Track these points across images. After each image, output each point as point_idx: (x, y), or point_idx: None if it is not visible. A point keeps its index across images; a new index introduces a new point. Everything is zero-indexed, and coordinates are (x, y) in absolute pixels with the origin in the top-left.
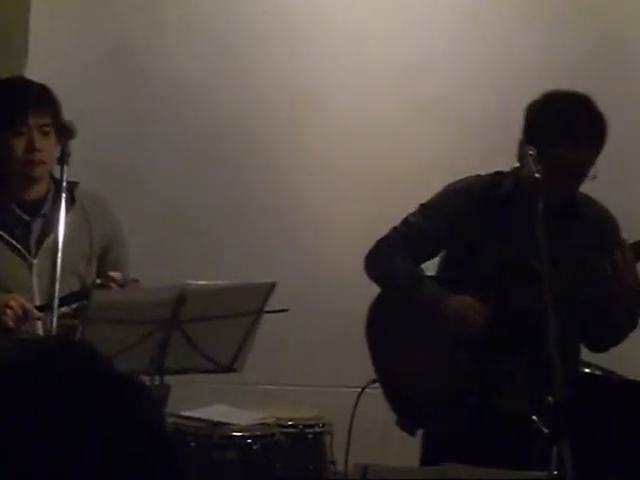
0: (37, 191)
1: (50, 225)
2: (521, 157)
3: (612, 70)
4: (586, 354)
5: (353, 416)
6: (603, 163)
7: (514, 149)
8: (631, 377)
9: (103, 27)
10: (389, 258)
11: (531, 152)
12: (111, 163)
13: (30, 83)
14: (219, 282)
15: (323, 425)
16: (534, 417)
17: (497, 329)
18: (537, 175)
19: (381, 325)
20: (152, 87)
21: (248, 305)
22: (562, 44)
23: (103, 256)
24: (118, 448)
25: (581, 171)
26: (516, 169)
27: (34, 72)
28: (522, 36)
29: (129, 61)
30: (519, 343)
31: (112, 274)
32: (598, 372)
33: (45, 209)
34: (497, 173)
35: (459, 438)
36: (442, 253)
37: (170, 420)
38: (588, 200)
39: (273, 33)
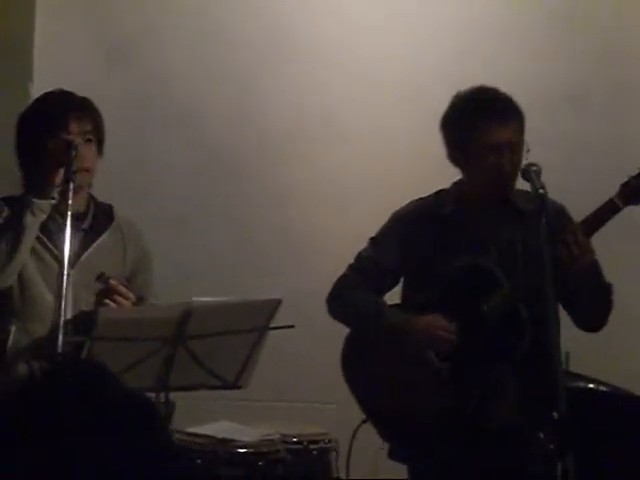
0: (78, 204)
1: (90, 240)
2: (525, 174)
3: (617, 83)
4: (591, 370)
5: (353, 439)
6: (608, 178)
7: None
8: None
9: (109, 44)
10: (349, 294)
11: (534, 168)
12: (113, 180)
13: (71, 94)
14: (224, 299)
15: (328, 441)
16: (540, 433)
17: (472, 341)
18: (541, 191)
19: (356, 363)
20: (156, 105)
21: (253, 322)
22: (566, 62)
23: (132, 279)
24: (128, 462)
25: (513, 144)
26: (457, 183)
27: (39, 88)
28: (524, 57)
29: (134, 74)
30: (498, 354)
31: (118, 286)
32: (603, 387)
33: (85, 224)
34: (439, 192)
35: (451, 464)
36: (402, 282)
37: (175, 437)
38: (524, 194)
39: (276, 49)
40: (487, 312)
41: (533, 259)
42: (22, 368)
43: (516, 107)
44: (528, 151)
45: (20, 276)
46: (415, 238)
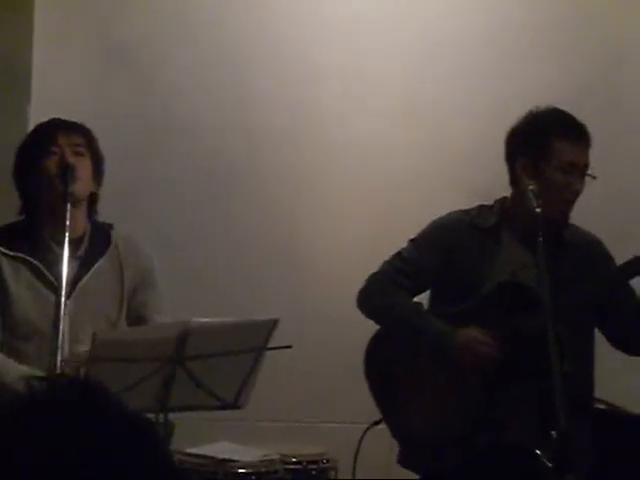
0: (74, 230)
1: (86, 267)
2: (522, 192)
3: (616, 85)
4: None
5: (357, 454)
6: (608, 180)
7: None
8: None
9: (107, 65)
10: (388, 292)
11: (531, 187)
12: (111, 196)
13: (62, 119)
14: (222, 319)
15: (327, 461)
16: (537, 451)
17: (508, 357)
18: (537, 210)
19: (382, 363)
20: (155, 122)
21: (251, 342)
22: (564, 71)
23: (131, 298)
24: None
25: (583, 166)
26: (500, 201)
27: (37, 111)
28: (527, 66)
29: (131, 92)
30: (528, 371)
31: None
32: (602, 406)
33: (81, 251)
34: (481, 206)
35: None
36: (431, 290)
37: (175, 457)
38: (573, 228)
39: (280, 56)
40: (526, 330)
41: (571, 285)
42: (20, 387)
43: (588, 132)
44: (595, 178)
45: (12, 305)
46: (454, 247)
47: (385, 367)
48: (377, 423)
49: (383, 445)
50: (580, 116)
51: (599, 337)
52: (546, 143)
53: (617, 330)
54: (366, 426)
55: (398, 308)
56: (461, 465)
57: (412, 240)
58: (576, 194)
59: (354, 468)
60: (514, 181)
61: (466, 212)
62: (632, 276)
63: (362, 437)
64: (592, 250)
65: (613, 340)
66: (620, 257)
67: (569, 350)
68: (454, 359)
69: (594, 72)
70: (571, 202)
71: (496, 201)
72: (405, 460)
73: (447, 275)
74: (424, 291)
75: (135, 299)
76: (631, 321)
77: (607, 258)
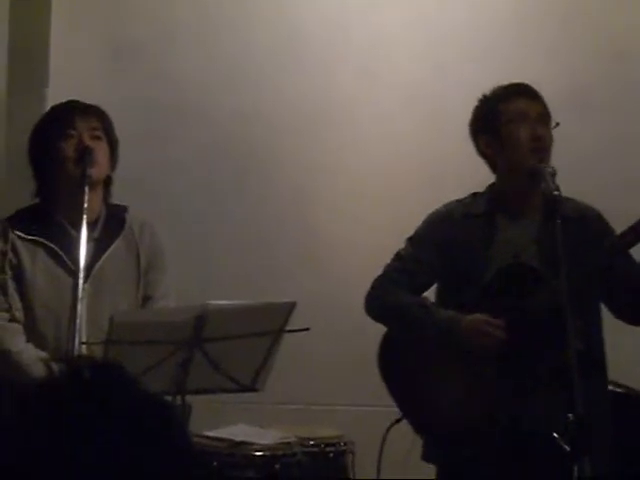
0: (90, 212)
1: (102, 249)
2: (539, 175)
3: (620, 83)
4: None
5: (382, 451)
6: (612, 179)
7: None
8: None
9: (122, 48)
10: (392, 293)
11: (549, 169)
12: (126, 182)
13: (78, 100)
14: (240, 302)
15: (345, 444)
16: (555, 434)
17: (517, 340)
18: (556, 192)
19: (396, 362)
20: (169, 107)
21: (269, 325)
22: (577, 67)
23: (143, 277)
24: (147, 465)
25: (537, 114)
26: (492, 185)
27: (55, 94)
28: (530, 60)
29: (146, 77)
30: (541, 352)
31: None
32: (619, 389)
33: (96, 233)
34: (474, 194)
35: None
36: (437, 283)
37: (192, 440)
38: (567, 199)
39: (288, 50)
40: (533, 313)
41: (576, 261)
42: (40, 369)
43: (533, 87)
44: (557, 125)
45: (29, 288)
46: (451, 238)
47: (400, 366)
48: (398, 421)
49: (404, 441)
50: (586, 110)
51: (616, 323)
52: (493, 112)
53: (621, 300)
54: (382, 409)
55: (403, 306)
56: (482, 453)
57: (409, 238)
58: (540, 139)
59: (379, 463)
60: (492, 165)
61: (460, 201)
62: (632, 244)
63: (385, 435)
64: (591, 222)
65: (618, 311)
66: (636, 249)
67: (577, 326)
68: (463, 343)
69: (597, 68)
70: (540, 149)
71: (487, 187)
72: (429, 454)
73: (448, 267)
74: (429, 286)
75: (145, 278)
76: (634, 289)
77: (607, 229)
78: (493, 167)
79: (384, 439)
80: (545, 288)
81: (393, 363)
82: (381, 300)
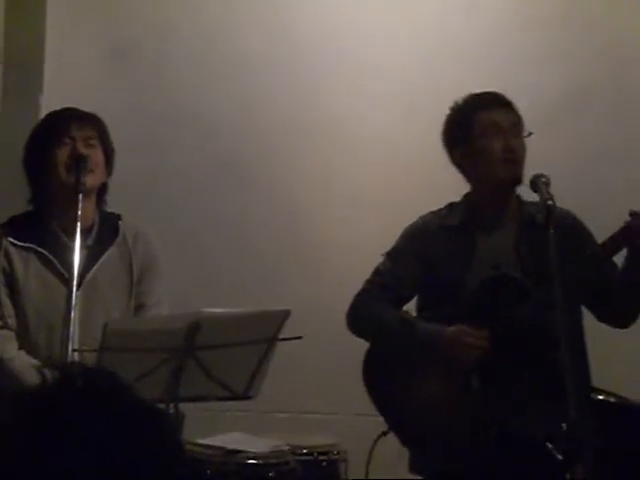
0: (83, 220)
1: (95, 257)
2: (533, 185)
3: (618, 85)
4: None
5: (372, 452)
6: (610, 181)
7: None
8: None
9: (118, 56)
10: (373, 309)
11: (543, 179)
12: (121, 189)
13: (74, 108)
14: (233, 310)
15: (338, 452)
16: (548, 443)
17: (500, 351)
18: (550, 202)
19: (381, 376)
20: (164, 115)
21: (262, 333)
22: (576, 69)
23: (135, 285)
24: (139, 472)
25: (510, 124)
26: (467, 195)
27: (49, 99)
28: (531, 63)
29: (143, 85)
30: (524, 362)
31: None
32: (612, 399)
33: (90, 241)
34: (450, 205)
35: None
36: (417, 296)
37: (185, 448)
38: (535, 205)
39: (293, 60)
40: (518, 322)
41: (554, 269)
42: (33, 376)
43: (504, 96)
44: (530, 134)
45: (21, 295)
46: (428, 251)
47: (385, 380)
48: (385, 434)
49: (392, 451)
50: (585, 112)
51: (606, 330)
52: (466, 123)
53: (604, 305)
54: (375, 418)
55: (385, 321)
56: (473, 463)
57: (387, 253)
58: (513, 151)
59: (367, 473)
60: (467, 175)
61: (436, 213)
62: (613, 253)
63: (372, 448)
64: (569, 229)
65: (602, 316)
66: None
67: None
68: (446, 355)
69: (597, 70)
70: (513, 161)
71: (463, 196)
72: (417, 466)
73: (427, 280)
74: (409, 300)
75: (138, 287)
76: (617, 294)
77: (586, 234)
78: (468, 177)
79: (372, 450)
80: (528, 298)
81: (377, 377)
82: (362, 316)
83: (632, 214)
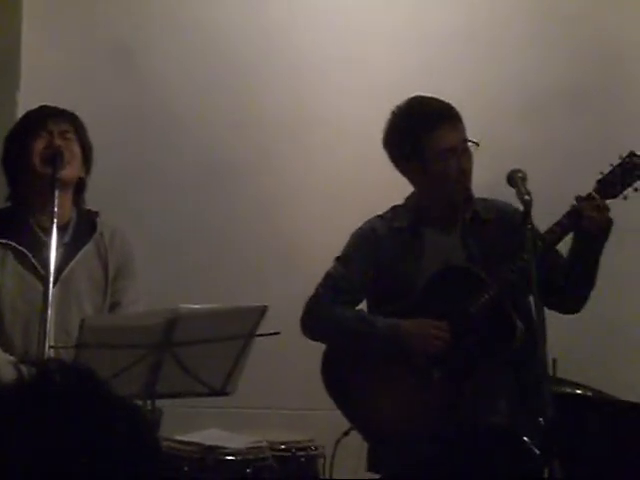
0: (60, 216)
1: (71, 253)
2: (510, 180)
3: (615, 84)
4: (579, 377)
5: (335, 450)
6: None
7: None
8: (624, 398)
9: (98, 53)
10: (330, 310)
11: (520, 174)
12: (102, 188)
13: (52, 106)
14: (211, 306)
15: (315, 448)
16: (525, 438)
17: (461, 343)
18: (527, 197)
19: (340, 377)
20: (147, 116)
21: (240, 328)
22: (560, 64)
23: (111, 282)
24: (116, 468)
25: (461, 142)
26: (411, 197)
27: (26, 97)
28: (519, 57)
29: (121, 84)
30: (487, 351)
31: None
32: (589, 393)
33: (67, 238)
34: (394, 207)
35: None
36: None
37: (163, 444)
38: (482, 202)
39: (276, 61)
40: (474, 312)
41: (502, 260)
42: (9, 372)
43: (453, 108)
44: (477, 144)
45: None
46: (379, 254)
47: (345, 380)
48: (346, 434)
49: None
50: (581, 110)
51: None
52: (417, 142)
53: (552, 292)
54: None
55: (342, 321)
56: (435, 456)
57: (337, 258)
58: (467, 173)
59: (332, 462)
60: (414, 184)
61: (381, 217)
62: (559, 239)
63: (335, 449)
64: (510, 219)
65: (550, 303)
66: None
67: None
68: (405, 347)
69: (593, 68)
70: (466, 181)
71: (407, 199)
72: (377, 464)
73: (379, 282)
74: (360, 302)
75: (114, 285)
76: (565, 279)
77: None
78: (414, 185)
79: (335, 450)
80: (482, 287)
81: (337, 378)
82: (320, 317)
83: (577, 198)
